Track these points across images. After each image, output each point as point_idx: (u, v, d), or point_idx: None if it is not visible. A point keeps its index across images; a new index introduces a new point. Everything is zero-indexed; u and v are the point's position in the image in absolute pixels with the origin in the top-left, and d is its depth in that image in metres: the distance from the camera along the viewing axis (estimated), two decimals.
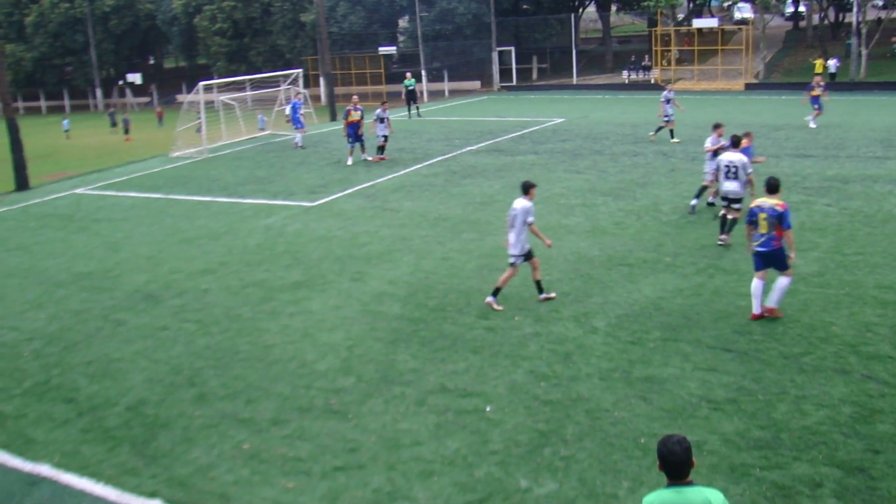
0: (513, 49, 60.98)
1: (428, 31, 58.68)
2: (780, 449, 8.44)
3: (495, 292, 12.92)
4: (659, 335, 11.46)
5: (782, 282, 11.67)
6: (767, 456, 8.32)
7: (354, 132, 27.26)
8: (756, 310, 11.82)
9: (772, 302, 11.75)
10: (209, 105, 34.96)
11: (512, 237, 12.70)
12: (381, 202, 21.24)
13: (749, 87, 51.66)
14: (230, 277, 15.28)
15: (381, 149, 27.96)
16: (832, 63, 51.89)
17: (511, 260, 12.79)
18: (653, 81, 54.85)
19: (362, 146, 27.62)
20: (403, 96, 43.77)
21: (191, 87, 37.47)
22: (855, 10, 51.48)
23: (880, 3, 58.39)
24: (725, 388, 9.80)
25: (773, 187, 11.68)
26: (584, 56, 66.12)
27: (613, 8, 71.81)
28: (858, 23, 51.55)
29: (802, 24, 70.49)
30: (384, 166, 26.59)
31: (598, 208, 19.41)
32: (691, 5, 68.35)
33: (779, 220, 11.38)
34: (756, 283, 11.84)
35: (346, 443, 9.07)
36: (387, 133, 27.83)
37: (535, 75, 64.91)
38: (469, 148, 29.81)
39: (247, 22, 62.47)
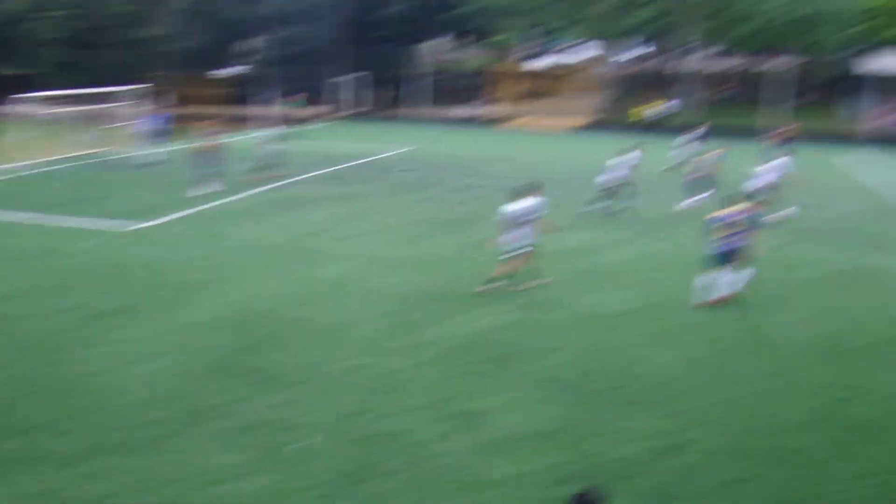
0: (365, 75, 60.92)
1: (277, 53, 57.88)
2: (596, 481, 8.60)
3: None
4: (487, 367, 11.56)
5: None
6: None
7: (207, 160, 25.53)
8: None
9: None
10: (35, 117, 33.09)
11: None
12: (211, 228, 20.59)
13: (584, 126, 53.53)
14: (42, 302, 14.35)
15: (211, 178, 25.94)
16: (661, 108, 54.48)
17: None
18: (497, 117, 55.85)
19: (211, 176, 25.57)
20: (285, 119, 42.56)
21: (18, 98, 35.41)
22: (687, 57, 54.48)
23: (708, 53, 61.97)
24: (550, 420, 9.96)
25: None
26: (440, 86, 66.83)
27: (468, 40, 73.05)
28: (688, 70, 54.59)
29: (640, 67, 73.88)
30: (220, 191, 25.71)
31: (433, 240, 19.54)
32: (537, 43, 70.50)
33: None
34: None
35: (156, 479, 8.60)
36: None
37: (388, 104, 65.05)
38: (309, 174, 29.48)
39: (89, 33, 59.62)
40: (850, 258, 18.65)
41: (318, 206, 23.51)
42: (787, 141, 32.63)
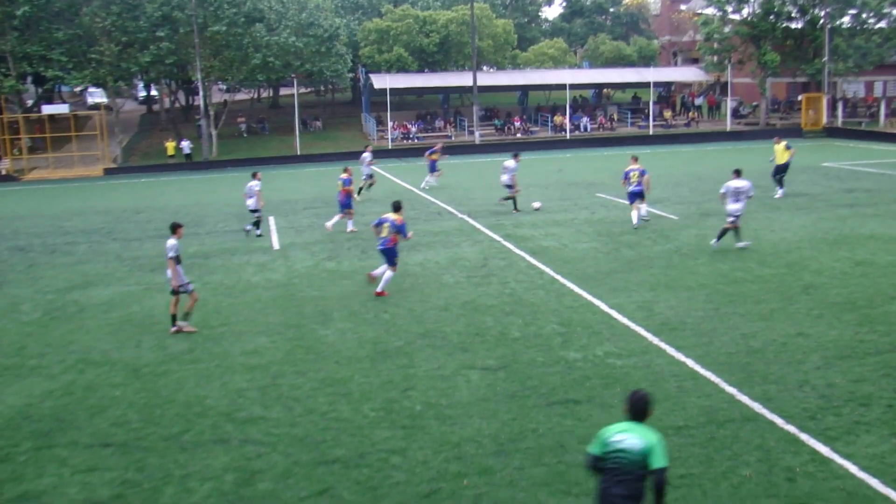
0: None
1: None
2: None
3: (173, 319, 14.98)
4: (30, 445, 10.51)
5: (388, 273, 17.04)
6: None
7: None
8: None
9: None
10: None
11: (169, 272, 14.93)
12: None
13: (108, 172, 51.33)
14: None
15: None
16: (185, 144, 54.33)
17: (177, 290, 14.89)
18: (3, 172, 50.90)
19: None
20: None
21: None
22: (202, 93, 54.77)
23: (224, 87, 63.15)
24: (109, 485, 9.34)
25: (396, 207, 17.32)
26: None
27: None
28: (206, 105, 54.97)
29: (156, 107, 72.83)
30: None
31: None
32: (40, 90, 65.84)
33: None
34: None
35: None
36: None
37: None
38: None
39: None
40: None
41: None
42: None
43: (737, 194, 19.67)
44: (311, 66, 57.58)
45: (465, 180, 38.02)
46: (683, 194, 30.07)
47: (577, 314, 15.17)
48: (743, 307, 15.13)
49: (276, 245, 23.29)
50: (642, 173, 23.29)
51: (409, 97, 70.97)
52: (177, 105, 69.58)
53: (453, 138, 59.06)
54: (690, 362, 12.36)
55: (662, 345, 13.22)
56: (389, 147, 55.34)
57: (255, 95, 79.56)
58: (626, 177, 23.48)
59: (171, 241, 14.98)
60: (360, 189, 32.00)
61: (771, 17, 60.80)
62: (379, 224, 17.11)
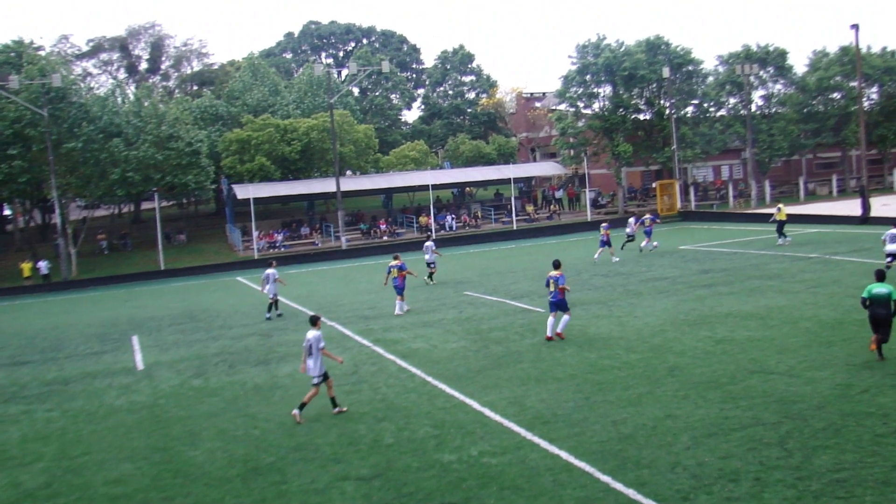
0: None
1: None
2: None
3: (301, 406, 15.70)
4: None
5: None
6: None
7: None
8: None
9: None
10: None
11: (310, 363, 15.71)
12: None
13: None
14: None
15: None
16: (43, 264, 52.33)
17: (314, 381, 15.72)
18: None
19: None
20: None
21: None
22: (58, 211, 53.19)
23: (83, 204, 61.39)
24: None
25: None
26: None
27: None
28: (63, 223, 53.34)
29: (10, 227, 70.12)
30: None
31: None
32: None
33: None
34: None
35: None
36: None
37: None
38: None
39: None
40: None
41: None
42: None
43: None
44: (173, 179, 56.96)
45: (333, 286, 37.99)
46: None
47: (449, 415, 15.29)
48: (612, 394, 15.61)
49: (139, 365, 22.56)
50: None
51: (274, 206, 70.87)
52: (32, 224, 67.17)
53: (320, 244, 59.15)
54: (564, 454, 12.61)
55: (536, 439, 13.45)
56: (255, 257, 54.82)
57: (116, 211, 77.76)
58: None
59: (317, 333, 15.90)
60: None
61: (621, 110, 64.53)
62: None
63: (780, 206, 39.61)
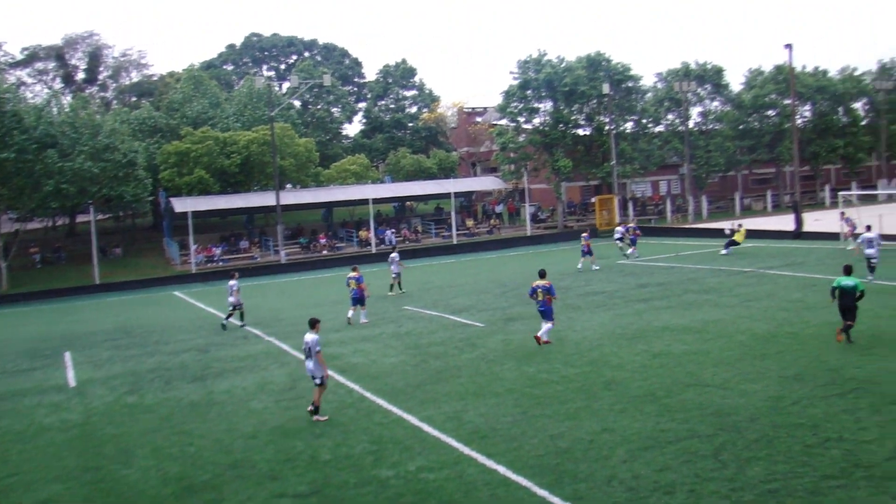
0: None
1: None
2: None
3: (316, 410, 16.30)
4: None
5: None
6: None
7: None
8: None
9: None
10: None
11: (310, 364, 16.44)
12: None
13: None
14: None
15: None
16: None
17: (316, 381, 16.39)
18: None
19: None
20: None
21: None
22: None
23: (15, 216, 59.79)
24: None
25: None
26: None
27: None
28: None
29: None
30: None
31: None
32: None
33: None
34: None
35: None
36: None
37: None
38: None
39: None
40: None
41: None
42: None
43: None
44: (109, 192, 55.96)
45: (272, 301, 37.64)
46: (488, 301, 31.09)
47: (387, 430, 15.23)
48: (550, 408, 15.70)
49: (72, 382, 22.02)
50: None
51: (213, 219, 70.00)
52: None
53: (259, 259, 58.57)
54: (502, 469, 12.64)
55: (474, 454, 13.45)
56: (193, 271, 54.08)
57: (50, 223, 75.97)
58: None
59: (315, 337, 16.55)
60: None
61: (561, 125, 65.30)
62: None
63: (742, 225, 41.76)
